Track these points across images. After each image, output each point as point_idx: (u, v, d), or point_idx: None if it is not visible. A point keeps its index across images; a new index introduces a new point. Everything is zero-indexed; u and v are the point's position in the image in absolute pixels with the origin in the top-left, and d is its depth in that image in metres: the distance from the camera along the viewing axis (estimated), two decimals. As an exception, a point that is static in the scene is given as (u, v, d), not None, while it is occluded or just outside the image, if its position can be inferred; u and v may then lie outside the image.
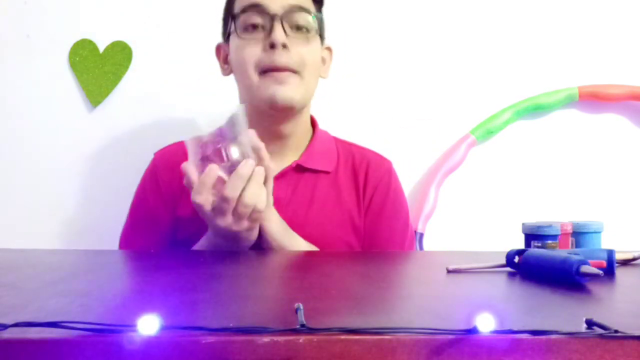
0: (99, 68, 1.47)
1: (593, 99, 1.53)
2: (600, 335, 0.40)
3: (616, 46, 1.55)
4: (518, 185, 1.53)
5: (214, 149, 0.91)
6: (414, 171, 1.52)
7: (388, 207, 1.13)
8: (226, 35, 1.11)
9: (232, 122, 0.92)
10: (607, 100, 1.53)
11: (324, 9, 1.15)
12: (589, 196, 1.53)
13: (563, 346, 0.40)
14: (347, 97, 1.49)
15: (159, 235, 1.10)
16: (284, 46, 1.03)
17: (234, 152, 0.91)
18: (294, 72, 1.05)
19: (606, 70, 1.54)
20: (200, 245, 1.00)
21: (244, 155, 0.91)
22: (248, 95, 1.07)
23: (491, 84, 1.53)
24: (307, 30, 1.06)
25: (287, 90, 1.04)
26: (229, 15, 1.10)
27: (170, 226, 1.10)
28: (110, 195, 1.46)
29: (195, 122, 0.93)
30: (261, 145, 0.93)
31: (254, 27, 1.05)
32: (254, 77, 1.05)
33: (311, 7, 1.08)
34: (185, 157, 0.92)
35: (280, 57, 1.03)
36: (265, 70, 1.04)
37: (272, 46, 1.03)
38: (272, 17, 1.03)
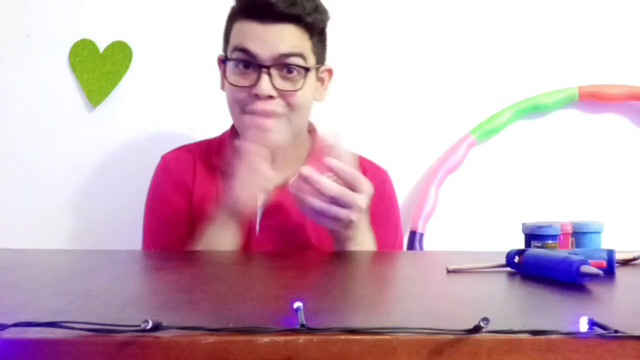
0: (99, 68, 1.47)
1: (593, 99, 1.53)
2: (600, 335, 0.40)
3: (616, 46, 1.55)
4: (518, 185, 1.53)
5: None
6: (414, 171, 1.52)
7: (378, 216, 1.14)
8: (224, 51, 1.12)
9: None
10: (607, 100, 1.53)
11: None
12: (589, 196, 1.53)
13: (563, 346, 0.40)
14: (348, 98, 1.49)
15: (184, 228, 1.10)
16: (270, 97, 1.04)
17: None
18: (280, 116, 1.06)
19: (606, 70, 1.54)
20: (203, 239, 1.02)
21: None
22: (236, 125, 1.12)
23: (491, 84, 1.53)
24: (298, 73, 1.06)
25: (269, 137, 1.05)
26: (226, 38, 1.10)
27: (190, 217, 1.12)
28: (110, 195, 1.46)
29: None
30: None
31: (244, 71, 1.05)
32: (238, 114, 1.08)
33: (304, 49, 1.07)
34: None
35: (265, 106, 1.04)
36: (249, 112, 1.06)
37: (257, 96, 1.04)
38: (259, 68, 1.03)
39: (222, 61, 1.10)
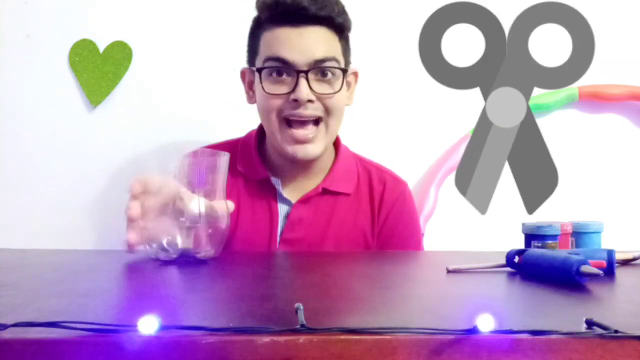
0: (99, 68, 1.47)
1: (593, 99, 1.53)
2: (600, 335, 0.40)
3: (616, 46, 1.55)
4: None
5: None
6: (414, 171, 1.52)
7: (400, 229, 1.16)
8: (250, 63, 1.11)
9: (212, 167, 0.85)
10: (607, 100, 1.53)
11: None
12: (589, 196, 1.53)
13: (563, 346, 0.40)
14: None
15: None
16: (309, 101, 1.03)
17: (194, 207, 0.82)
18: (319, 119, 1.05)
19: (606, 70, 1.54)
20: None
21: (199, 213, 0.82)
22: (271, 137, 1.09)
23: (491, 84, 1.53)
24: (333, 75, 1.05)
25: (309, 149, 1.05)
26: (253, 49, 1.09)
27: None
28: (110, 195, 1.46)
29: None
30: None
31: (279, 79, 1.04)
32: (277, 125, 1.05)
33: (337, 51, 1.06)
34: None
35: (305, 111, 1.03)
36: (288, 119, 1.04)
37: (296, 101, 1.03)
38: (297, 73, 1.02)
39: (258, 72, 1.06)
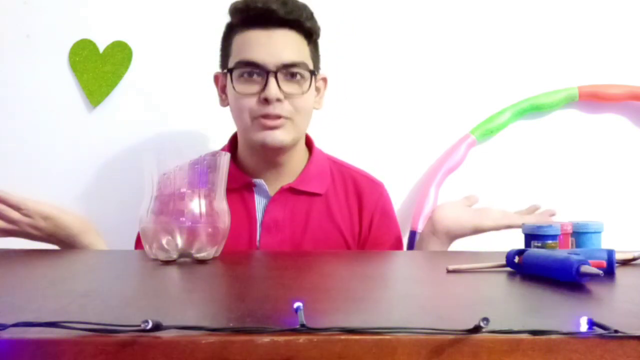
0: (99, 68, 1.47)
1: (593, 99, 1.53)
2: (600, 335, 0.40)
3: (616, 46, 1.55)
4: (518, 185, 1.53)
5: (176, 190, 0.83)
6: (414, 171, 1.52)
7: (384, 229, 1.21)
8: (223, 67, 1.16)
9: (214, 166, 0.86)
10: (607, 100, 1.53)
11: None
12: (589, 196, 1.53)
13: (563, 346, 0.40)
14: (347, 97, 1.49)
15: None
16: (278, 100, 1.07)
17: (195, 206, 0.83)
18: (287, 118, 1.10)
19: (606, 70, 1.54)
20: None
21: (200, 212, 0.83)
22: (244, 134, 1.14)
23: (491, 84, 1.53)
24: (301, 77, 1.10)
25: (277, 134, 1.09)
26: (226, 52, 1.14)
27: None
28: (110, 195, 1.46)
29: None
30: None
31: (249, 79, 1.09)
32: (249, 122, 1.10)
33: (305, 56, 1.12)
34: None
35: (274, 110, 1.08)
36: (259, 117, 1.09)
37: (266, 100, 1.07)
38: (267, 73, 1.07)
39: (230, 73, 1.11)
